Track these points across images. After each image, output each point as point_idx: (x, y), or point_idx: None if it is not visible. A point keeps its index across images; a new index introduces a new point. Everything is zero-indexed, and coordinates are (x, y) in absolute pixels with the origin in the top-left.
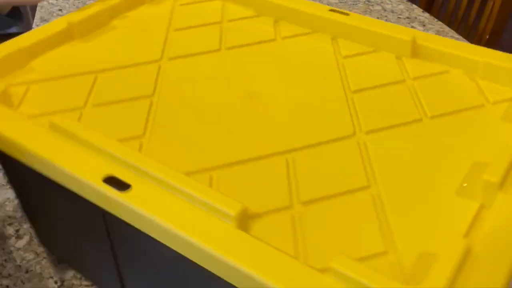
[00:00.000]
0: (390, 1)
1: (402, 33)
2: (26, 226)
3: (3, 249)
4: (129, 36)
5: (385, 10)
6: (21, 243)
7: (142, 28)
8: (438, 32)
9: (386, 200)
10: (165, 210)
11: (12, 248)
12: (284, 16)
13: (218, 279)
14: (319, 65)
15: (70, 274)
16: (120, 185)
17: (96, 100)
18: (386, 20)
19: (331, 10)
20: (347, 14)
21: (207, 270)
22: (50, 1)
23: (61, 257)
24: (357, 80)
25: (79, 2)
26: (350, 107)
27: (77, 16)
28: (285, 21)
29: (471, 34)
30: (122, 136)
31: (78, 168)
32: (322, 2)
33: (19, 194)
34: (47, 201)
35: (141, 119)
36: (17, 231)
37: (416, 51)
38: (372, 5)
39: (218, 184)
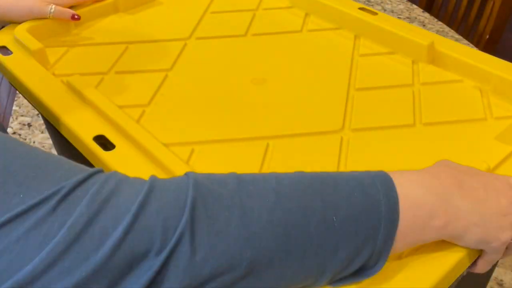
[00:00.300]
0: (390, 1)
1: (421, 37)
2: None
3: None
4: (169, 13)
5: (385, 10)
6: None
7: (184, 7)
8: (438, 32)
9: None
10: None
11: None
12: (315, 10)
13: None
14: (333, 60)
15: None
16: (107, 144)
17: (119, 68)
18: None
19: (360, 8)
20: (375, 14)
21: None
22: None
23: None
24: (364, 79)
25: None
26: (348, 103)
27: None
28: (316, 15)
29: (471, 34)
30: (129, 103)
31: (76, 124)
32: None
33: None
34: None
35: (152, 90)
36: None
37: (433, 57)
38: (372, 5)
39: (197, 157)
